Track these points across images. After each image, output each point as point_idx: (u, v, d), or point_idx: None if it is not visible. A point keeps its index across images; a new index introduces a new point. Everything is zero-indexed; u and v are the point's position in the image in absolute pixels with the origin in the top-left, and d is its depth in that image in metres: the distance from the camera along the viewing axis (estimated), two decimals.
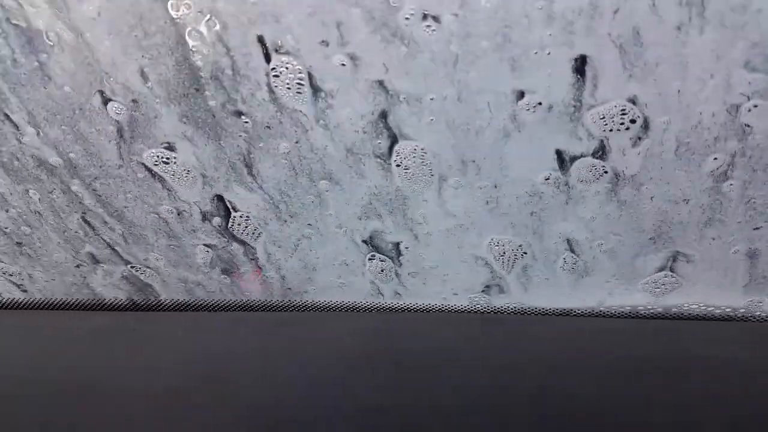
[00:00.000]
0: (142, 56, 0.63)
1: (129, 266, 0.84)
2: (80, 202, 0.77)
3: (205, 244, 0.80)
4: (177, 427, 0.62)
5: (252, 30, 0.60)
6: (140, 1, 0.60)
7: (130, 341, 0.80)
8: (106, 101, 0.67)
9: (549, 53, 0.58)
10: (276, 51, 0.59)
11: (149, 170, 0.73)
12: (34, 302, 0.89)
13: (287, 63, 0.62)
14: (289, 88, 0.64)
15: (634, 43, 0.56)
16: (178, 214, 0.77)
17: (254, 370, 0.70)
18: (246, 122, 0.67)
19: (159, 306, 0.87)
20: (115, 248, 0.82)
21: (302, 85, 0.63)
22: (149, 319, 0.87)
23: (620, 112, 0.60)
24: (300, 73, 0.62)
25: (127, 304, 0.88)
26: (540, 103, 0.61)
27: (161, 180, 0.74)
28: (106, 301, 0.88)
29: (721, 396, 0.62)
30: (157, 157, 0.71)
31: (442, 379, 0.67)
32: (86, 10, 0.61)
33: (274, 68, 0.62)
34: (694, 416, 0.59)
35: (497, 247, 0.74)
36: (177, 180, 0.73)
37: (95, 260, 0.84)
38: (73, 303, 0.89)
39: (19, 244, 0.83)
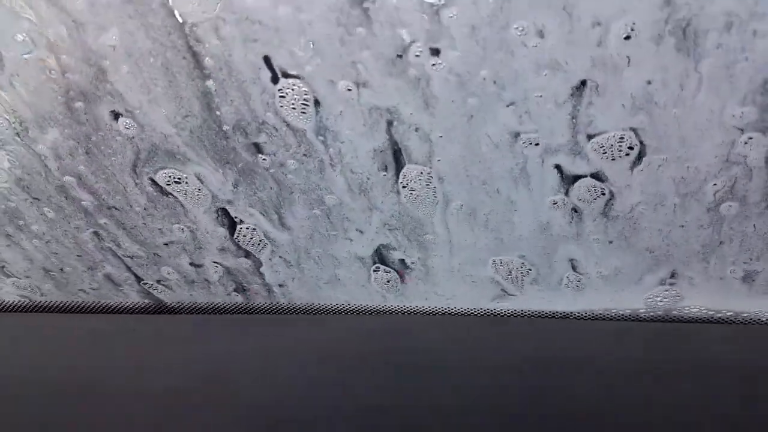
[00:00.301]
0: (152, 77, 0.65)
1: (137, 278, 0.84)
2: (91, 217, 0.78)
3: (207, 253, 0.80)
4: (177, 427, 0.62)
5: (259, 52, 0.62)
6: (156, 30, 0.62)
7: (130, 343, 0.80)
8: (116, 116, 0.68)
9: (542, 95, 0.60)
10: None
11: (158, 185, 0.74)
12: (36, 305, 0.89)
13: (293, 84, 0.63)
14: (294, 108, 0.65)
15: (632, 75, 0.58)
16: (186, 227, 0.78)
17: (254, 371, 0.70)
18: (260, 153, 0.69)
19: (159, 308, 0.87)
20: (118, 254, 0.82)
21: (307, 105, 0.65)
22: (149, 320, 0.87)
23: (618, 140, 0.62)
24: (306, 94, 0.64)
25: (127, 306, 0.88)
26: (537, 144, 0.64)
27: (168, 193, 0.74)
28: (107, 303, 0.88)
29: (722, 399, 0.62)
30: (169, 177, 0.73)
31: (441, 380, 0.67)
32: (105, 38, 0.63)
33: (280, 89, 0.64)
34: (695, 419, 0.59)
35: (502, 267, 0.75)
36: (188, 198, 0.74)
37: (97, 265, 0.84)
38: (74, 305, 0.89)
39: (23, 250, 0.84)
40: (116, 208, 0.77)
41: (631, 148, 0.62)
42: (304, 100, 0.64)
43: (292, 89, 0.64)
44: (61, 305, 0.89)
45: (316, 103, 0.64)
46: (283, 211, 0.74)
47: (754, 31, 0.54)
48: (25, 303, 0.89)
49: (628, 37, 0.56)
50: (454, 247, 0.74)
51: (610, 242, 0.70)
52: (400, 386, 0.66)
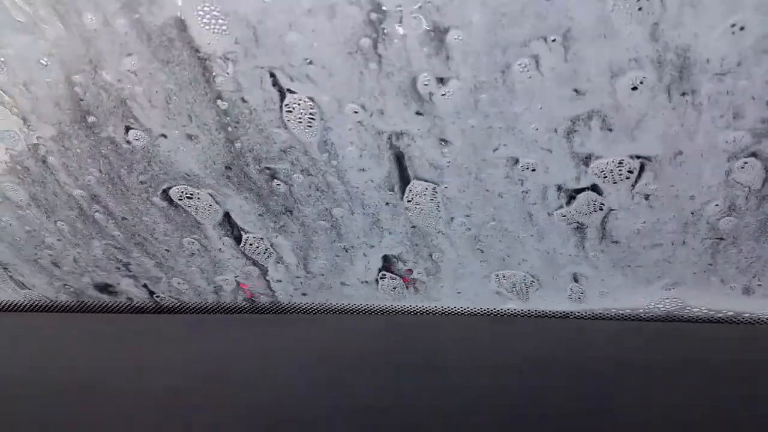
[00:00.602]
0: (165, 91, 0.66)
1: (131, 273, 0.84)
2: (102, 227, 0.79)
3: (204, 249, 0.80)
4: (177, 427, 0.62)
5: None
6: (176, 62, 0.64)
7: (130, 343, 0.80)
8: (127, 130, 0.70)
9: (539, 126, 0.63)
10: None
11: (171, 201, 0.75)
12: (36, 305, 0.89)
13: (299, 99, 0.65)
14: (300, 122, 0.66)
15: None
16: (193, 238, 0.79)
17: (254, 371, 0.70)
18: (266, 160, 0.70)
19: (159, 308, 0.87)
20: (119, 255, 0.82)
21: (313, 119, 0.66)
22: (149, 320, 0.87)
23: (618, 164, 0.64)
24: (312, 109, 0.65)
25: (127, 306, 0.88)
26: (534, 170, 0.66)
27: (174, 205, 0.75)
28: (107, 303, 0.88)
29: (722, 399, 0.62)
30: (182, 193, 0.74)
31: (442, 380, 0.67)
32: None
33: (287, 104, 0.65)
34: (695, 419, 0.59)
35: (505, 280, 0.76)
36: (198, 213, 0.76)
37: (99, 263, 0.84)
38: (74, 305, 0.89)
39: (26, 253, 0.84)
40: (131, 225, 0.78)
41: (630, 171, 0.64)
42: (311, 114, 0.65)
43: (298, 104, 0.65)
44: (61, 305, 0.89)
45: (323, 122, 0.65)
46: (291, 224, 0.75)
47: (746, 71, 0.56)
48: (25, 303, 0.89)
49: (635, 88, 0.58)
50: (457, 262, 0.75)
51: (612, 264, 0.72)
52: (400, 386, 0.66)
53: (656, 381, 0.64)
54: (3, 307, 0.88)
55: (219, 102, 0.66)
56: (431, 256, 0.76)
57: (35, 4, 0.63)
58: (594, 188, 0.67)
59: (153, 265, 0.82)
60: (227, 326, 0.84)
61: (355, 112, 0.64)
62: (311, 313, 0.84)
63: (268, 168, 0.70)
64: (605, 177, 0.65)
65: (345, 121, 0.65)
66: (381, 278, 0.79)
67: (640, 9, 0.54)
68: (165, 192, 0.74)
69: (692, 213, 0.67)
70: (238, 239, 0.78)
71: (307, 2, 0.59)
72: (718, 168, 0.63)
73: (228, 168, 0.71)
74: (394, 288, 0.80)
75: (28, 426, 0.63)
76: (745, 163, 0.62)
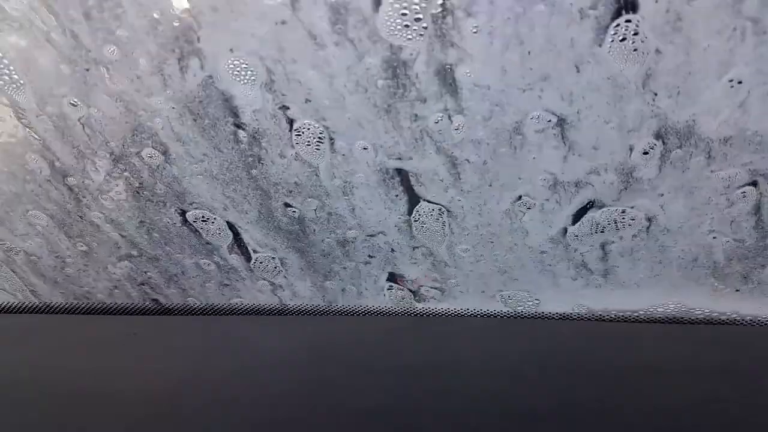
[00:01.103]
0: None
1: (135, 277, 0.85)
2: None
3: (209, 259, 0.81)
4: (177, 427, 0.62)
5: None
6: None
7: (131, 343, 0.80)
8: (140, 150, 0.72)
9: (548, 177, 0.66)
10: None
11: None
12: (36, 306, 0.89)
13: (309, 124, 0.67)
14: (308, 145, 0.68)
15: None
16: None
17: (254, 371, 0.70)
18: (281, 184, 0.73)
19: (160, 309, 0.87)
20: (124, 253, 0.82)
21: (322, 142, 0.68)
22: (150, 321, 0.87)
23: (621, 212, 0.68)
24: (321, 134, 0.67)
25: (128, 307, 0.88)
26: (529, 206, 0.70)
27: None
28: (108, 304, 0.88)
29: (722, 400, 0.62)
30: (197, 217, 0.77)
31: (443, 381, 0.67)
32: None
33: (297, 128, 0.68)
34: (695, 420, 0.59)
35: (511, 300, 0.78)
36: (206, 234, 0.76)
37: (102, 266, 0.84)
38: (74, 307, 0.89)
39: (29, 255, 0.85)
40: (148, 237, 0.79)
41: (633, 219, 0.67)
42: (319, 138, 0.66)
43: (308, 128, 0.66)
44: (61, 306, 0.89)
45: (332, 144, 0.67)
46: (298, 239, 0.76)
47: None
48: (26, 304, 0.89)
49: (646, 153, 0.62)
50: (461, 279, 0.76)
51: (614, 275, 0.74)
52: (401, 387, 0.66)
53: (657, 381, 0.64)
54: (3, 307, 0.88)
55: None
56: (437, 270, 0.76)
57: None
58: (594, 205, 0.68)
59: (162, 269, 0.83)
60: (227, 327, 0.84)
61: (365, 149, 0.65)
62: (313, 314, 0.84)
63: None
64: (615, 221, 0.68)
65: (356, 156, 0.67)
66: (389, 289, 0.80)
67: (635, 50, 0.57)
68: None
69: (695, 236, 0.69)
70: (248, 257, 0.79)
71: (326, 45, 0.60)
72: (717, 197, 0.66)
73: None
74: (403, 299, 0.81)
75: (28, 427, 0.63)
76: (744, 193, 0.65)
